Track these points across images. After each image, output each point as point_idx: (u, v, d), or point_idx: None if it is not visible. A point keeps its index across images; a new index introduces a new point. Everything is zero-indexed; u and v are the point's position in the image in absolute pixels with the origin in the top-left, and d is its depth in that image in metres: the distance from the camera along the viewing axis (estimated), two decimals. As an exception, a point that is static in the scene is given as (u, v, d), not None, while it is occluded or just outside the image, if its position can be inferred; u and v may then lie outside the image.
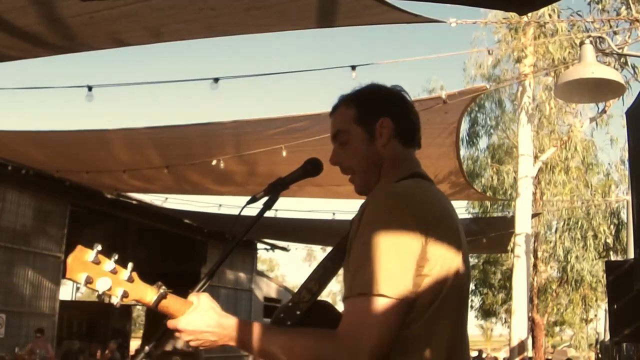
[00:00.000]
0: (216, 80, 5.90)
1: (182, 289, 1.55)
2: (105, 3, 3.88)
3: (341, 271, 1.52)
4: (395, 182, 1.48)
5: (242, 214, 1.63)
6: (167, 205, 12.44)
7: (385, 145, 1.55)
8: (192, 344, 1.44)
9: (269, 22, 4.56)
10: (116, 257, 1.40)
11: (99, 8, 3.96)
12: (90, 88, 5.98)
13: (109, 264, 1.39)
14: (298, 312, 1.48)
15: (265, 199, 1.61)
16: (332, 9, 4.28)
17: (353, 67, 5.46)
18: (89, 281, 1.36)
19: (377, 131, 1.55)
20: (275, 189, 1.61)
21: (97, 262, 1.38)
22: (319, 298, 1.52)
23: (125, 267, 1.40)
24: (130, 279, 1.40)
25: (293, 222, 12.03)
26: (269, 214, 1.71)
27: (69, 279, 1.38)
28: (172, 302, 1.43)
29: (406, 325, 1.32)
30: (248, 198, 1.60)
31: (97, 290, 1.37)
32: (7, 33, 4.33)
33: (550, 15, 9.00)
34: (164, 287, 1.43)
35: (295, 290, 1.58)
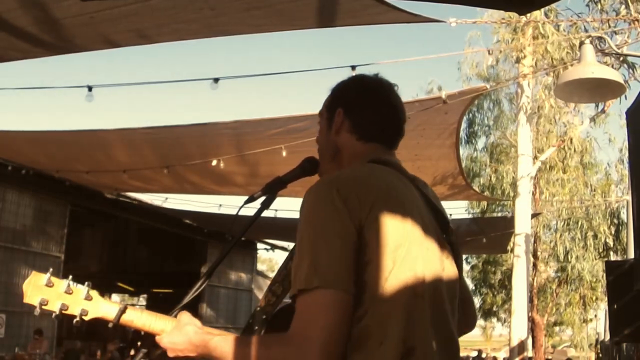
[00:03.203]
0: (216, 80, 5.90)
1: (182, 289, 1.56)
2: (106, 3, 3.88)
3: None
4: None
5: (241, 213, 1.63)
6: (167, 205, 12.45)
7: (337, 135, 1.54)
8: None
9: (268, 22, 4.56)
10: (70, 277, 1.44)
11: (99, 8, 3.96)
12: (90, 88, 5.98)
13: (63, 285, 1.42)
14: (264, 317, 1.50)
15: (263, 198, 1.61)
16: (332, 8, 4.28)
17: (353, 67, 5.45)
18: (43, 303, 1.40)
19: (334, 120, 1.55)
20: (273, 189, 1.62)
21: (50, 284, 1.41)
22: (285, 299, 1.52)
23: (82, 285, 1.44)
24: (88, 297, 1.43)
25: (293, 222, 12.01)
26: (269, 213, 1.72)
27: (27, 304, 1.41)
28: (135, 317, 1.45)
29: (357, 320, 1.26)
30: (247, 198, 1.61)
31: (54, 312, 1.40)
32: (7, 33, 4.34)
33: (547, 15, 9.00)
34: (124, 302, 1.46)
35: (274, 275, 1.59)
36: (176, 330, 1.45)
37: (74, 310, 1.41)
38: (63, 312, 1.41)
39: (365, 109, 1.55)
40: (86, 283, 1.45)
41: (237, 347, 1.35)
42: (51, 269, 1.44)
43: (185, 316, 1.47)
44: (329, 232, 1.28)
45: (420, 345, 1.29)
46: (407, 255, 1.31)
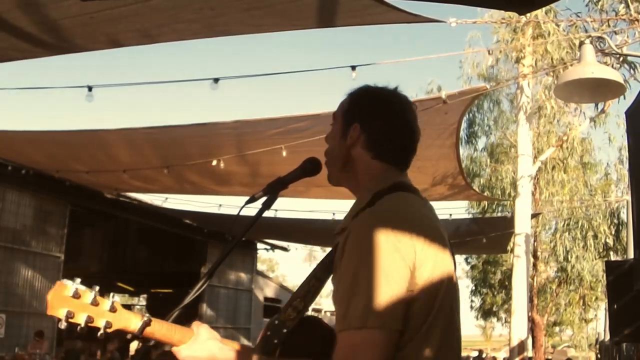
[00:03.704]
0: (216, 80, 5.90)
1: (182, 289, 1.56)
2: (106, 3, 3.88)
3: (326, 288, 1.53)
4: (375, 194, 1.45)
5: (242, 213, 1.63)
6: (167, 205, 12.44)
7: (350, 149, 1.54)
8: None
9: (268, 22, 4.56)
10: (97, 288, 1.40)
11: (99, 8, 3.96)
12: (90, 88, 5.98)
13: (89, 296, 1.37)
14: (285, 330, 1.49)
15: (264, 198, 1.61)
16: (332, 9, 4.28)
17: (353, 67, 5.45)
18: (70, 316, 1.35)
19: (349, 133, 1.55)
20: (274, 189, 1.61)
21: (77, 296, 1.37)
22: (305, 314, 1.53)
23: (107, 297, 1.41)
24: (112, 309, 1.40)
25: (293, 222, 12.04)
26: (269, 214, 1.71)
27: (51, 316, 1.37)
28: (157, 328, 1.43)
29: (399, 349, 1.31)
30: (248, 198, 1.61)
31: (80, 324, 1.36)
32: (7, 33, 4.34)
33: (546, 15, 9.00)
34: (147, 314, 1.44)
35: (295, 290, 1.59)
36: (197, 344, 1.44)
37: (99, 322, 1.38)
38: (89, 324, 1.37)
39: (382, 128, 1.54)
40: (112, 294, 1.42)
41: None
42: (79, 280, 1.39)
43: (205, 329, 1.46)
44: (388, 275, 1.30)
45: None
46: (447, 289, 1.39)
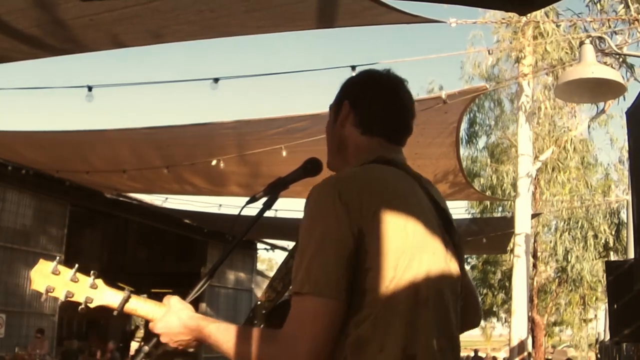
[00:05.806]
0: (216, 80, 5.90)
1: (182, 289, 1.57)
2: (106, 4, 3.88)
3: None
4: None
5: (242, 214, 1.63)
6: (167, 205, 12.44)
7: (342, 128, 1.55)
8: (171, 345, 1.45)
9: (268, 23, 4.56)
10: (77, 266, 1.48)
11: (100, 10, 3.96)
12: (90, 88, 5.98)
13: (69, 273, 1.46)
14: (263, 311, 1.52)
15: (265, 198, 1.61)
16: (332, 10, 4.28)
17: (353, 67, 5.45)
18: (49, 290, 1.45)
19: (340, 113, 1.56)
20: (275, 189, 1.62)
21: (57, 272, 1.46)
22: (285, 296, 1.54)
23: (87, 275, 1.48)
24: (93, 286, 1.47)
25: (293, 222, 12.04)
26: (269, 213, 1.71)
27: (34, 290, 1.47)
28: (139, 305, 1.47)
29: (356, 325, 1.27)
30: (248, 198, 1.61)
31: (59, 298, 1.45)
32: (8, 35, 4.34)
33: (547, 15, 9.01)
34: (128, 290, 1.49)
35: (275, 272, 1.61)
36: (169, 314, 1.44)
37: (79, 297, 1.45)
38: (68, 299, 1.45)
39: (370, 102, 1.55)
40: (92, 272, 1.49)
41: (233, 337, 1.37)
42: (58, 257, 1.50)
43: (176, 300, 1.46)
44: (325, 240, 1.28)
45: (422, 353, 1.28)
46: (410, 262, 1.31)
